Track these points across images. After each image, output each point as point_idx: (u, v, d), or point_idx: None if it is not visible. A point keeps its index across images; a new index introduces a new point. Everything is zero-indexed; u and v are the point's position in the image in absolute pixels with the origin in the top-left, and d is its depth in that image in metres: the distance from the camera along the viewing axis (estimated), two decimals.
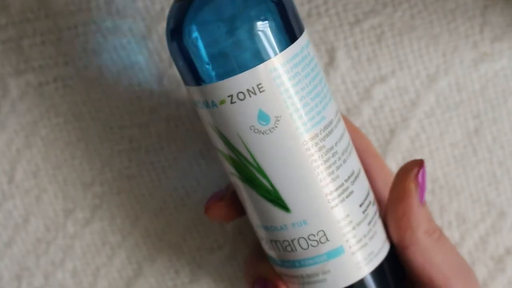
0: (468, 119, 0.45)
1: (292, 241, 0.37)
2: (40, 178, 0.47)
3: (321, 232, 0.37)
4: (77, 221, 0.47)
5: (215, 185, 0.46)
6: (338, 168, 0.37)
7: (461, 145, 0.46)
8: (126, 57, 0.44)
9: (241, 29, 0.35)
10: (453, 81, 0.45)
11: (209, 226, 0.47)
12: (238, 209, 0.40)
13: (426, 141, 0.46)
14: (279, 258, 0.39)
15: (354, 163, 0.38)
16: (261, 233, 0.39)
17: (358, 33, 0.44)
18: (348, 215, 0.37)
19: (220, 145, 0.37)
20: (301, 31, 0.36)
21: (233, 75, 0.35)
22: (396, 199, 0.39)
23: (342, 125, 0.38)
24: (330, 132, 0.36)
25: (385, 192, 0.41)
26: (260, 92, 0.35)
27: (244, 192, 0.38)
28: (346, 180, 0.37)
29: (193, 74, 0.36)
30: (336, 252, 0.37)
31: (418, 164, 0.39)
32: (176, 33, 0.36)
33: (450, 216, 0.47)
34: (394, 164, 0.46)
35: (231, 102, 0.35)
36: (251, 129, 0.36)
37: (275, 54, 0.35)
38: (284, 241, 0.38)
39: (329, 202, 0.37)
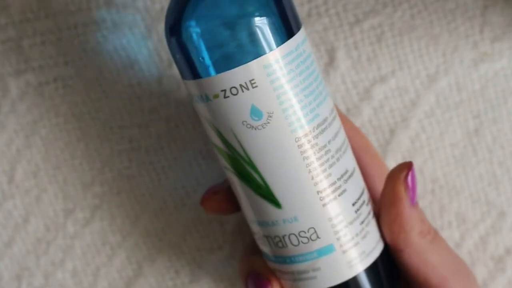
0: (468, 119, 0.45)
1: (283, 237, 0.38)
2: (40, 178, 0.47)
3: (312, 229, 0.37)
4: (77, 221, 0.47)
5: None
6: (331, 166, 0.37)
7: (461, 145, 0.46)
8: (126, 57, 0.44)
9: (237, 24, 0.35)
10: (453, 81, 0.45)
11: (209, 226, 0.47)
12: (233, 203, 0.40)
13: (426, 141, 0.46)
14: (272, 254, 0.39)
15: (348, 161, 0.38)
16: (255, 228, 0.39)
17: (358, 33, 0.44)
18: (340, 214, 0.37)
19: (215, 139, 0.37)
20: (298, 28, 0.36)
21: (227, 70, 0.35)
22: (387, 203, 0.39)
23: (337, 123, 0.38)
24: (323, 130, 0.37)
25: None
26: (253, 87, 0.35)
27: (238, 187, 0.38)
28: (339, 179, 0.37)
29: (190, 68, 0.36)
30: (327, 250, 0.37)
31: (407, 166, 0.39)
32: (174, 27, 0.36)
33: (450, 216, 0.47)
34: (394, 164, 0.46)
35: (225, 97, 0.35)
36: (243, 124, 0.36)
37: (270, 50, 0.35)
38: (275, 236, 0.38)
39: (321, 200, 0.37)
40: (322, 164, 0.37)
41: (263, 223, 0.38)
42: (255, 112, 0.35)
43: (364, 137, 0.42)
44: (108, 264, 0.48)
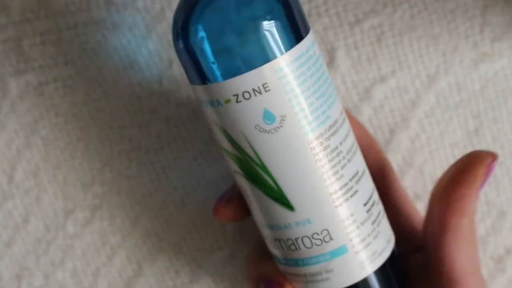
0: (468, 119, 0.45)
1: (296, 239, 0.38)
2: (40, 178, 0.47)
3: (325, 231, 0.37)
4: (77, 221, 0.47)
5: (215, 185, 0.46)
6: (342, 167, 0.37)
7: (461, 145, 0.46)
8: (126, 57, 0.44)
9: (247, 28, 0.35)
10: (453, 81, 0.45)
11: (209, 226, 0.47)
12: (245, 209, 0.40)
13: (426, 141, 0.46)
14: (283, 257, 0.39)
15: (358, 162, 0.38)
16: (266, 232, 0.39)
17: (358, 33, 0.44)
18: (352, 214, 0.37)
19: (225, 144, 0.37)
20: (307, 31, 0.36)
21: (239, 75, 0.35)
22: (461, 180, 0.38)
23: (347, 125, 0.38)
24: (335, 132, 0.37)
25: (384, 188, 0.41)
26: (266, 91, 0.35)
27: (249, 191, 0.38)
28: (350, 180, 0.37)
29: (199, 73, 0.36)
30: (340, 251, 0.37)
31: (493, 155, 0.38)
32: (182, 32, 0.36)
33: None
34: (394, 164, 0.46)
35: (237, 101, 0.35)
36: (256, 128, 0.36)
37: (281, 53, 0.35)
38: (288, 239, 0.38)
39: (333, 201, 0.37)
40: (334, 166, 0.37)
41: (275, 227, 0.38)
42: (268, 116, 0.35)
43: (368, 133, 0.42)
44: (108, 264, 0.48)
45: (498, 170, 0.46)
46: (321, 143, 0.36)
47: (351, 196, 0.37)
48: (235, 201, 0.40)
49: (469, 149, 0.46)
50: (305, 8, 0.43)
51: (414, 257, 0.42)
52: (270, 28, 0.35)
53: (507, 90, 0.45)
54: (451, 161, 0.46)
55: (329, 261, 0.38)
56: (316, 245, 0.37)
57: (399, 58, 0.44)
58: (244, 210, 0.40)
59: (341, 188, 0.37)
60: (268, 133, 0.36)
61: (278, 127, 0.36)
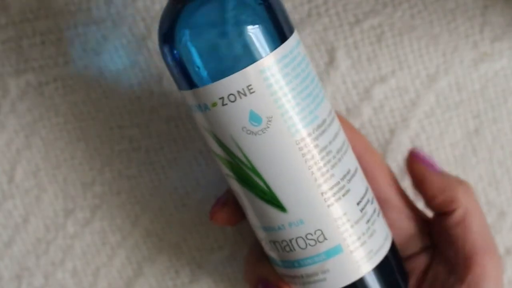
0: (468, 119, 0.45)
1: (290, 241, 0.38)
2: (40, 178, 0.47)
3: (319, 231, 0.37)
4: (77, 221, 0.47)
5: (215, 185, 0.46)
6: (333, 166, 0.37)
7: (461, 145, 0.46)
8: (126, 57, 0.44)
9: (230, 32, 0.35)
10: (453, 81, 0.45)
11: (209, 226, 0.47)
12: (241, 212, 0.40)
13: (426, 141, 0.46)
14: (279, 259, 0.39)
15: (350, 161, 0.38)
16: (261, 234, 0.39)
17: (358, 33, 0.44)
18: (345, 214, 0.37)
19: (215, 148, 0.37)
20: (291, 32, 0.37)
21: (224, 77, 0.35)
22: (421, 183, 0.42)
23: (336, 124, 0.38)
24: (323, 131, 0.37)
25: (386, 190, 0.41)
26: (250, 93, 0.35)
27: (242, 194, 0.38)
28: (342, 179, 0.37)
29: (186, 78, 0.36)
30: (335, 251, 0.37)
31: (413, 155, 0.42)
32: (167, 38, 0.36)
33: None
34: (394, 164, 0.46)
35: (223, 104, 0.35)
36: (243, 131, 0.36)
37: (265, 55, 0.35)
38: (282, 241, 0.38)
39: (325, 201, 0.37)
40: (324, 165, 0.37)
41: (269, 229, 0.38)
42: (254, 118, 0.36)
43: (363, 137, 0.42)
44: (108, 264, 0.48)
45: (498, 170, 0.46)
46: (310, 143, 0.36)
47: (343, 195, 0.37)
48: (231, 204, 0.40)
49: (469, 149, 0.46)
50: (305, 8, 0.43)
51: (418, 258, 0.42)
52: (252, 31, 0.35)
53: (507, 90, 0.45)
54: (451, 161, 0.46)
55: (325, 261, 0.38)
56: (310, 245, 0.37)
57: (399, 58, 0.44)
58: (239, 214, 0.40)
59: (332, 188, 0.37)
60: (255, 135, 0.36)
61: (265, 129, 0.36)
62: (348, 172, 0.38)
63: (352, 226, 0.37)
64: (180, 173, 0.46)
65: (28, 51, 0.45)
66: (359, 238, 0.38)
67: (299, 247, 0.38)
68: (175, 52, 0.36)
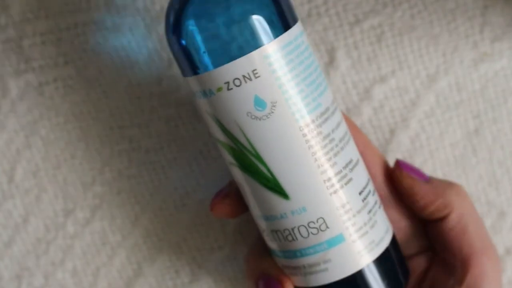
0: (468, 119, 0.45)
1: (293, 229, 0.38)
2: (40, 178, 0.47)
3: (321, 219, 0.37)
4: (77, 221, 0.47)
5: (215, 185, 0.46)
6: (335, 154, 0.37)
7: (461, 145, 0.46)
8: (126, 57, 0.44)
9: (236, 17, 0.35)
10: (453, 81, 0.45)
11: (209, 226, 0.47)
12: (242, 205, 0.40)
13: (426, 141, 0.46)
14: (280, 249, 0.39)
15: (352, 151, 0.38)
16: (262, 224, 0.39)
17: (358, 33, 0.44)
18: (347, 202, 0.37)
19: (218, 134, 0.37)
20: (295, 21, 0.37)
21: (229, 62, 0.35)
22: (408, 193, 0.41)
23: (339, 114, 0.38)
24: (326, 119, 0.37)
25: (386, 188, 0.41)
26: (256, 78, 0.36)
27: (244, 182, 0.38)
28: (344, 167, 0.37)
29: (191, 64, 0.37)
30: (337, 240, 0.38)
31: (399, 166, 0.41)
32: (174, 24, 0.37)
33: None
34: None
35: (228, 89, 0.36)
36: (248, 116, 0.36)
37: (269, 40, 0.36)
38: (284, 230, 0.38)
39: (328, 189, 0.37)
40: (327, 153, 0.37)
41: (271, 217, 0.38)
42: (259, 103, 0.36)
43: (363, 135, 0.42)
44: (108, 264, 0.48)
45: (498, 170, 0.46)
46: (313, 130, 0.37)
47: (345, 184, 0.37)
48: (232, 196, 0.40)
49: (469, 149, 0.46)
50: (305, 8, 0.43)
51: (417, 259, 0.42)
52: (258, 17, 0.36)
53: (507, 90, 0.45)
54: (451, 161, 0.46)
55: (327, 250, 0.38)
56: (312, 234, 0.38)
57: (399, 58, 0.44)
58: (240, 206, 0.40)
59: (335, 175, 0.37)
60: (259, 120, 0.36)
61: (269, 114, 0.36)
62: (351, 161, 0.38)
63: (354, 216, 0.38)
64: (180, 173, 0.46)
65: (28, 51, 0.45)
66: (360, 228, 0.38)
67: (301, 236, 0.38)
68: (182, 37, 0.36)
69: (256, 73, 0.36)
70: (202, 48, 0.36)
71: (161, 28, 0.44)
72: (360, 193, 0.38)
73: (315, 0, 0.43)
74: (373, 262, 0.38)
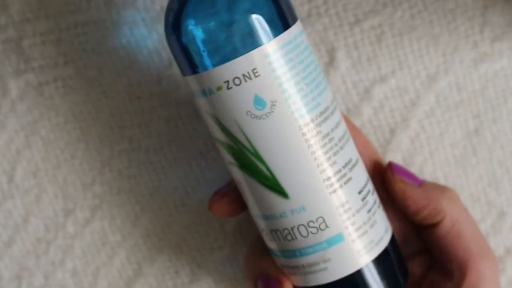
0: (468, 119, 0.45)
1: (292, 228, 0.38)
2: (40, 178, 0.47)
3: (320, 218, 0.37)
4: (77, 221, 0.47)
5: (215, 185, 0.46)
6: (335, 154, 0.37)
7: (461, 145, 0.46)
8: (126, 57, 0.44)
9: (236, 16, 0.36)
10: (453, 81, 0.45)
11: (209, 226, 0.47)
12: (241, 204, 0.40)
13: (426, 141, 0.46)
14: (280, 249, 0.39)
15: (351, 151, 0.38)
16: (261, 224, 0.39)
17: (358, 33, 0.44)
18: (347, 202, 0.37)
19: (218, 133, 0.37)
20: (294, 20, 0.37)
21: (229, 61, 0.35)
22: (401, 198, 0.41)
23: (338, 114, 0.38)
24: (326, 119, 0.37)
25: (382, 188, 0.41)
26: (255, 76, 0.36)
27: (244, 181, 0.38)
28: (343, 167, 0.37)
29: (191, 63, 0.37)
30: (336, 239, 0.38)
31: (391, 169, 0.41)
32: (174, 23, 0.37)
33: None
34: None
35: (228, 88, 0.36)
36: (247, 115, 0.36)
37: (269, 40, 0.36)
38: (284, 229, 0.38)
39: (327, 188, 0.37)
40: (326, 152, 0.37)
41: (270, 217, 0.38)
42: (259, 102, 0.36)
43: (362, 135, 0.42)
44: (108, 264, 0.48)
45: (498, 170, 0.46)
46: (313, 129, 0.37)
47: (345, 183, 0.37)
48: (231, 195, 0.40)
49: (469, 149, 0.46)
50: (305, 8, 0.43)
51: (414, 262, 0.42)
52: (257, 16, 0.36)
53: (507, 90, 0.45)
54: (451, 161, 0.46)
55: (326, 250, 0.38)
56: (312, 233, 0.38)
57: (399, 58, 0.44)
58: (239, 205, 0.40)
59: (334, 174, 0.37)
60: (259, 119, 0.36)
61: (269, 113, 0.36)
62: (350, 161, 0.38)
63: (354, 215, 0.38)
64: (180, 173, 0.46)
65: (28, 51, 0.45)
66: (360, 227, 0.38)
67: (301, 235, 0.38)
68: (181, 36, 0.36)
69: (256, 72, 0.36)
70: (202, 47, 0.36)
71: (161, 27, 0.44)
72: (359, 193, 0.38)
73: (315, 0, 0.43)
74: (372, 262, 0.38)
